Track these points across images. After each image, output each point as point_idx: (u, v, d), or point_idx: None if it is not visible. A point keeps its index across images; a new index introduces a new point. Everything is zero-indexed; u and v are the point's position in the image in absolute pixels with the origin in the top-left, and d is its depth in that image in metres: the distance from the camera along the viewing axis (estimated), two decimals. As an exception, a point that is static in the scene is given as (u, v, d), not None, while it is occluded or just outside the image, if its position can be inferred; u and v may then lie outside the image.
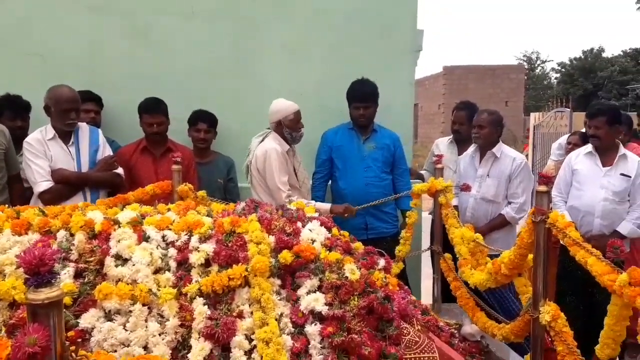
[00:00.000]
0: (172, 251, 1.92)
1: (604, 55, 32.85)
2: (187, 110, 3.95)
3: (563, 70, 34.50)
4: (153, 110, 3.72)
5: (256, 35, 4.18)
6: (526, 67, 33.61)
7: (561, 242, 2.44)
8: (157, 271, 1.86)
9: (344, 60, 4.26)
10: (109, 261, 1.82)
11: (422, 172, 4.74)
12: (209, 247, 1.87)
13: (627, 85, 27.36)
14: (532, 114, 14.29)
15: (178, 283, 1.84)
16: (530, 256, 2.47)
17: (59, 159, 3.33)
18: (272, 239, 1.93)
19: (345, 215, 3.51)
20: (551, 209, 3.64)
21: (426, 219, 4.48)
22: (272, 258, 1.87)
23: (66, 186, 3.31)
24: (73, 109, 3.28)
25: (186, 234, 1.97)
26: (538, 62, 37.49)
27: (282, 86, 4.09)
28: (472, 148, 4.04)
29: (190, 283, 1.82)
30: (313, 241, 1.98)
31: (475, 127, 3.85)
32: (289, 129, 3.55)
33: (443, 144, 4.57)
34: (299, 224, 2.10)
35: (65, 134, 3.37)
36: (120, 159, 3.58)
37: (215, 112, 3.98)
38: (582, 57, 33.22)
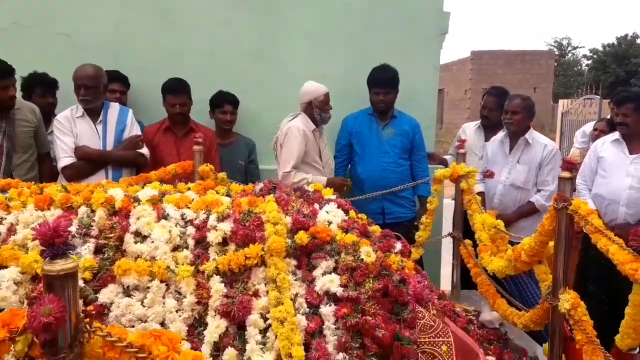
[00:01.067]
0: (191, 229, 1.94)
1: (639, 41, 31.84)
2: (210, 91, 3.97)
3: (595, 56, 33.59)
4: (176, 90, 3.75)
5: (279, 19, 4.18)
6: (557, 53, 32.81)
7: (583, 229, 2.39)
8: (175, 248, 1.88)
9: (368, 45, 4.25)
10: (128, 237, 1.85)
11: (446, 157, 4.70)
12: (227, 226, 1.89)
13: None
14: (561, 101, 14.01)
15: (196, 261, 1.86)
16: (551, 243, 2.44)
17: (85, 137, 3.40)
18: (288, 219, 1.94)
19: (344, 189, 3.62)
20: (574, 196, 3.61)
21: (447, 205, 4.45)
22: (288, 239, 1.87)
23: (88, 163, 3.38)
24: (82, 86, 3.32)
25: (204, 213, 1.98)
26: (569, 48, 36.58)
27: (304, 71, 4.10)
28: (501, 133, 3.99)
29: (207, 261, 1.84)
30: (330, 223, 1.97)
31: (508, 113, 3.80)
32: (318, 109, 3.65)
33: (470, 129, 4.51)
34: (316, 205, 2.10)
35: (94, 112, 3.43)
36: (144, 139, 3.62)
37: (236, 94, 3.99)
38: (616, 43, 32.27)
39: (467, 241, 3.38)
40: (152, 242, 1.84)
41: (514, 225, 3.79)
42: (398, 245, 2.07)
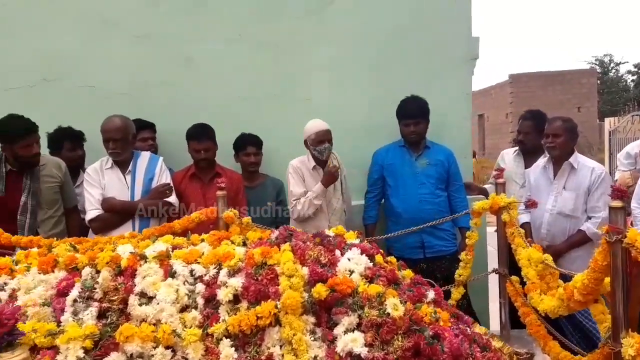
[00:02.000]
0: (200, 287, 1.79)
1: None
2: (234, 134, 3.89)
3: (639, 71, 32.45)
4: (200, 136, 3.68)
5: (299, 56, 4.10)
6: (598, 70, 31.85)
7: (643, 263, 2.12)
8: (183, 309, 1.73)
9: (394, 76, 4.12)
10: (133, 300, 1.71)
11: (486, 186, 4.45)
12: (237, 282, 1.73)
13: None
14: (607, 119, 13.44)
15: (205, 322, 1.70)
16: (607, 280, 2.17)
17: (113, 188, 3.38)
18: (305, 270, 1.76)
19: (335, 175, 3.57)
20: (631, 224, 3.30)
21: (492, 235, 4.18)
22: (305, 292, 1.69)
23: (114, 215, 3.32)
24: (110, 139, 3.31)
25: (215, 268, 1.83)
26: (612, 64, 35.50)
27: (328, 107, 4.02)
28: (543, 159, 3.75)
29: (217, 322, 1.68)
30: (351, 272, 1.78)
31: (550, 136, 3.56)
32: (312, 147, 3.58)
33: (509, 156, 4.27)
34: (337, 252, 1.92)
35: (124, 162, 3.42)
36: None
37: (262, 134, 3.90)
38: (660, 56, 31.09)
39: (514, 278, 3.11)
40: (158, 303, 1.69)
41: (565, 256, 3.53)
42: (431, 294, 1.85)
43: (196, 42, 4.03)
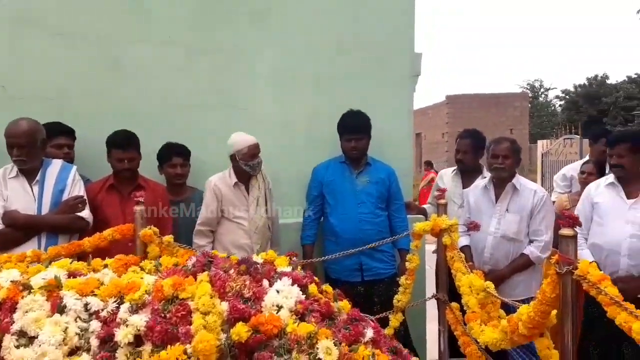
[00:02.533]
0: (95, 324, 1.49)
1: (609, 82, 32.58)
2: (161, 143, 3.59)
3: (567, 97, 34.29)
4: (124, 144, 3.36)
5: (239, 63, 3.86)
6: (530, 95, 33.37)
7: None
8: (72, 352, 1.43)
9: (336, 90, 3.97)
10: (8, 340, 1.39)
11: (426, 206, 4.34)
12: (140, 320, 1.44)
13: (633, 112, 27.00)
14: (540, 142, 13.95)
15: (99, 369, 1.40)
16: (554, 312, 2.04)
17: (17, 199, 3.00)
18: (225, 306, 1.50)
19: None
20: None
21: (430, 252, 4.06)
22: (224, 333, 1.43)
23: (17, 230, 2.93)
24: (15, 145, 2.94)
25: (115, 301, 1.54)
26: (542, 90, 37.31)
27: (268, 117, 3.84)
28: (483, 180, 3.68)
29: (114, 368, 1.39)
30: (279, 308, 1.54)
31: (499, 157, 3.47)
32: (243, 161, 3.35)
33: (447, 176, 4.18)
34: (265, 282, 1.67)
35: (31, 171, 3.04)
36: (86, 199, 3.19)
37: (193, 145, 3.64)
38: (587, 84, 32.96)
39: (454, 304, 2.95)
40: (40, 345, 1.38)
41: (507, 281, 3.45)
42: (369, 333, 1.62)
43: (125, 44, 3.71)
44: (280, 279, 1.69)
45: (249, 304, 1.51)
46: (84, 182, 3.39)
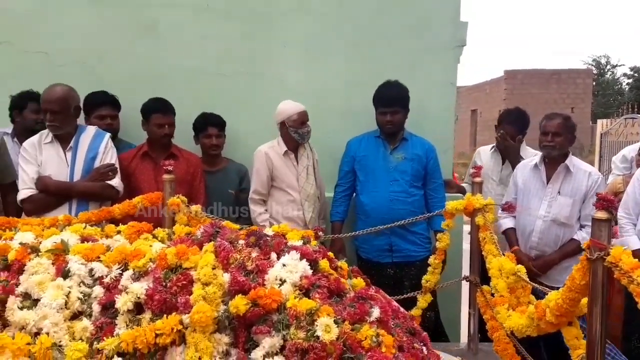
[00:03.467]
0: (98, 290, 1.49)
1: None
2: (195, 113, 3.57)
3: (636, 75, 32.27)
4: (164, 109, 3.37)
5: (273, 30, 3.77)
6: (595, 71, 31.62)
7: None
8: (75, 316, 1.43)
9: (373, 59, 3.80)
10: (12, 302, 1.41)
11: (464, 184, 4.17)
12: (140, 288, 1.43)
13: None
14: (600, 121, 13.22)
15: (98, 333, 1.40)
16: (584, 301, 1.92)
17: (51, 165, 3.04)
18: (227, 277, 1.47)
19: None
20: (614, 235, 3.03)
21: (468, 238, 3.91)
22: (225, 304, 1.40)
23: (50, 196, 2.99)
24: (48, 110, 2.97)
25: (119, 268, 1.53)
26: (608, 66, 35.28)
27: (301, 87, 3.71)
28: (534, 158, 3.46)
29: (112, 335, 1.38)
30: (282, 282, 1.49)
31: (549, 134, 3.26)
32: (293, 128, 3.32)
33: (485, 153, 3.98)
34: (274, 255, 1.63)
35: (65, 137, 3.07)
36: (119, 166, 3.23)
37: (226, 114, 3.58)
38: (658, 61, 30.94)
39: (485, 287, 2.83)
40: (42, 308, 1.40)
41: (556, 267, 3.28)
42: (375, 312, 1.55)
43: (160, 9, 3.69)
44: (289, 253, 1.64)
45: (251, 276, 1.47)
46: (128, 148, 3.43)
